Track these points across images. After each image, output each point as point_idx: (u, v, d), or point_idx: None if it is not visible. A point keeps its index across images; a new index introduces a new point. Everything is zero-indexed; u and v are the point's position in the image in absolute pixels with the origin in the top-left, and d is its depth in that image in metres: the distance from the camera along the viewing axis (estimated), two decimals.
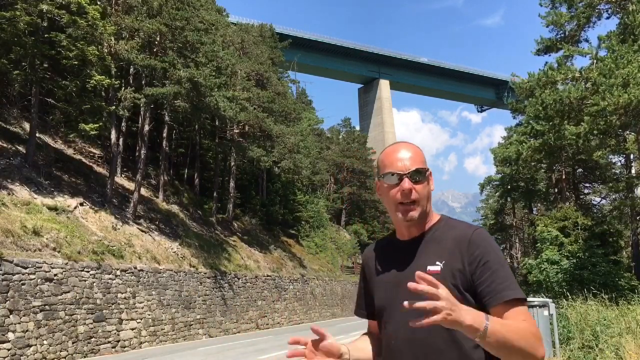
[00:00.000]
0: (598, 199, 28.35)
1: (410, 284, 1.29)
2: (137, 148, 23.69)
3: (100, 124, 19.04)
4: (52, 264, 13.71)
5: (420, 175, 1.57)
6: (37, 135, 18.98)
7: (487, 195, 42.70)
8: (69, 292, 13.98)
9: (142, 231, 20.12)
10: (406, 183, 1.55)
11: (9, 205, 14.62)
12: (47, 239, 14.33)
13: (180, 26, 21.35)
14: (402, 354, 1.55)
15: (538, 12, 18.89)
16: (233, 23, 36.86)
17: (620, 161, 24.84)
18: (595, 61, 14.32)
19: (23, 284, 12.64)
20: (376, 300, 1.68)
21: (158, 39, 21.42)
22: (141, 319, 16.68)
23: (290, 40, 46.10)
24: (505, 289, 1.45)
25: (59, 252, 14.32)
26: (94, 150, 24.37)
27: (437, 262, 1.54)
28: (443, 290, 1.29)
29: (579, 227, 19.13)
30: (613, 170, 25.60)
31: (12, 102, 20.95)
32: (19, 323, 12.19)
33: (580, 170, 25.94)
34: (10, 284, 12.29)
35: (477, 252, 1.50)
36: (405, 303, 1.28)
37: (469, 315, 1.31)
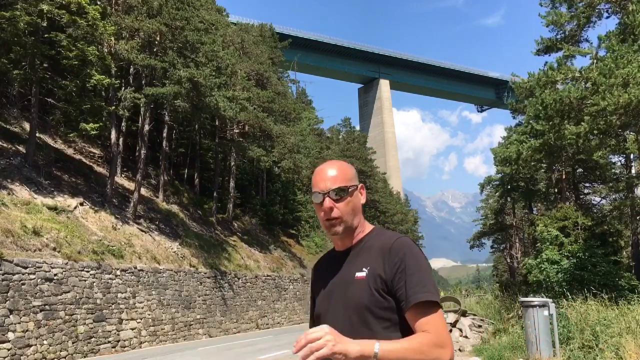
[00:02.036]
0: (598, 199, 28.34)
1: (294, 349, 1.41)
2: (137, 148, 23.69)
3: (100, 123, 19.04)
4: (52, 263, 13.71)
5: (342, 192, 1.66)
6: (37, 135, 18.99)
7: (487, 195, 42.68)
8: (69, 292, 13.98)
9: (142, 231, 20.12)
10: (327, 202, 1.66)
11: (9, 205, 14.63)
12: (47, 238, 14.33)
13: (180, 26, 21.36)
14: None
15: (538, 12, 18.90)
16: (233, 23, 36.87)
17: (620, 161, 24.85)
18: (595, 61, 14.32)
19: (23, 284, 12.64)
20: (316, 308, 1.80)
21: (158, 39, 21.43)
22: (141, 319, 16.68)
23: (290, 40, 46.12)
24: (415, 292, 1.52)
25: (59, 252, 14.33)
26: (94, 150, 24.37)
27: (364, 269, 1.63)
28: (319, 330, 1.40)
29: (579, 227, 19.12)
30: (613, 170, 25.59)
31: (12, 102, 20.96)
32: (19, 323, 12.20)
33: (580, 170, 25.92)
34: (10, 284, 12.29)
35: (397, 259, 1.58)
36: (293, 349, 1.41)
37: (356, 346, 1.41)
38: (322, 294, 1.76)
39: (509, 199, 33.64)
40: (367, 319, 1.58)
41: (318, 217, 1.74)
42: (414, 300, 1.51)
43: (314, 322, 1.77)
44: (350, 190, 1.69)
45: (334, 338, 1.39)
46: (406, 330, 1.56)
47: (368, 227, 1.76)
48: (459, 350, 11.46)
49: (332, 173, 1.69)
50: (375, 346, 1.42)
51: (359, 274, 1.63)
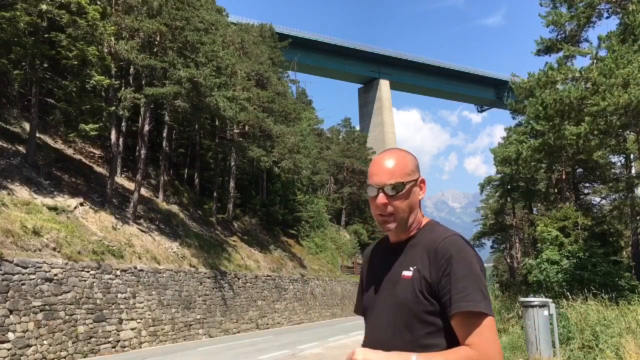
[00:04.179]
0: (598, 199, 28.34)
1: None
2: (137, 148, 23.69)
3: (100, 124, 19.04)
4: (52, 264, 13.70)
5: (398, 188, 1.55)
6: (37, 135, 18.98)
7: (487, 195, 42.68)
8: (69, 292, 13.98)
9: (142, 231, 20.11)
10: (380, 198, 1.55)
11: (9, 205, 14.62)
12: (47, 239, 14.33)
13: (180, 26, 21.36)
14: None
15: (538, 12, 18.90)
16: (233, 23, 36.85)
17: (620, 161, 24.85)
18: (595, 61, 14.32)
19: (23, 284, 12.64)
20: (364, 300, 1.72)
21: (158, 39, 21.43)
22: (141, 319, 16.68)
23: (290, 40, 46.09)
24: (458, 300, 1.42)
25: (59, 252, 14.32)
26: (94, 150, 24.37)
27: (410, 268, 1.54)
28: (359, 354, 1.41)
29: (579, 227, 19.13)
30: (613, 170, 25.60)
31: (12, 102, 20.96)
32: (19, 323, 12.19)
33: (580, 170, 25.93)
34: (10, 284, 12.29)
35: (443, 260, 1.48)
36: None
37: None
38: (371, 285, 1.66)
39: (509, 199, 33.63)
40: (410, 322, 1.49)
41: (371, 209, 1.64)
42: (457, 310, 1.41)
43: (363, 313, 1.71)
44: (408, 186, 1.56)
45: (365, 357, 1.38)
46: (452, 337, 1.46)
47: (424, 220, 1.64)
48: None
49: (389, 165, 1.56)
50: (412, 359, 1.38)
51: (405, 273, 1.54)
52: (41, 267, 13.31)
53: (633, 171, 22.89)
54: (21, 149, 18.52)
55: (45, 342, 12.75)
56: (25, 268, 12.84)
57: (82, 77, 17.68)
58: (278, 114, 30.98)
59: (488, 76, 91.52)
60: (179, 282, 19.36)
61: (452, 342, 1.46)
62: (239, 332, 22.51)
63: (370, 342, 1.57)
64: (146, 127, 22.14)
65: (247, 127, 28.50)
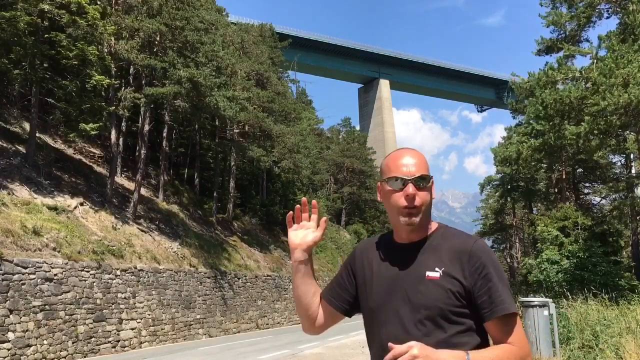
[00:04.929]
0: (598, 199, 28.35)
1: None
2: (137, 148, 23.69)
3: (101, 123, 19.03)
4: (52, 263, 13.70)
5: (424, 181, 1.58)
6: (37, 135, 18.98)
7: (487, 195, 42.70)
8: (69, 292, 13.98)
9: (142, 231, 20.11)
10: (410, 188, 1.55)
11: (9, 205, 14.62)
12: (47, 238, 14.32)
13: (180, 26, 21.36)
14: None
15: (539, 12, 18.89)
16: (233, 23, 36.84)
17: (620, 161, 24.85)
18: (595, 61, 14.32)
19: (23, 284, 12.64)
20: (368, 298, 1.66)
21: (158, 38, 21.42)
22: (141, 319, 16.68)
23: (290, 40, 46.07)
24: (500, 303, 1.49)
25: (59, 252, 14.32)
26: (94, 150, 24.37)
27: (436, 269, 1.54)
28: (415, 349, 1.38)
29: (579, 227, 19.12)
30: (613, 170, 25.60)
31: (12, 102, 20.96)
32: (19, 323, 12.19)
33: (580, 170, 25.93)
34: (10, 283, 12.29)
35: (478, 263, 1.52)
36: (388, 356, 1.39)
37: (447, 358, 1.41)
38: (382, 284, 1.63)
39: (509, 199, 33.64)
40: (440, 322, 1.51)
41: (388, 206, 1.62)
42: (500, 312, 1.49)
43: (367, 312, 1.67)
44: (431, 181, 1.61)
45: (422, 353, 1.38)
46: (481, 335, 1.54)
47: (434, 223, 1.67)
48: None
49: (414, 159, 1.59)
50: (467, 357, 1.42)
51: (431, 274, 1.54)
52: (41, 267, 13.31)
53: (633, 171, 22.89)
54: (21, 148, 18.51)
55: (45, 342, 12.75)
56: (25, 268, 12.84)
57: (82, 77, 17.67)
58: (278, 113, 30.97)
59: (488, 76, 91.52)
60: (179, 282, 19.36)
61: (482, 340, 1.54)
62: (239, 332, 22.51)
63: (391, 341, 1.51)
64: (146, 127, 22.14)
65: (247, 127, 28.50)
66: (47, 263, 13.56)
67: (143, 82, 22.73)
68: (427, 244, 1.61)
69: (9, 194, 15.33)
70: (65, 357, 13.30)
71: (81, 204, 17.97)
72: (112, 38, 19.50)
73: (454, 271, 1.52)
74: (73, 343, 13.65)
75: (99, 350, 14.53)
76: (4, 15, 15.46)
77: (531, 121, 19.89)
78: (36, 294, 12.93)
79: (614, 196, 24.57)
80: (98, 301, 14.97)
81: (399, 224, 1.60)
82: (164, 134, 25.68)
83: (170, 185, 27.59)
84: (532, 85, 15.87)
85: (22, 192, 16.11)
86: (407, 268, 1.59)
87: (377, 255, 1.70)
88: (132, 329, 16.18)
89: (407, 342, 1.40)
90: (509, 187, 31.64)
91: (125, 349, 15.58)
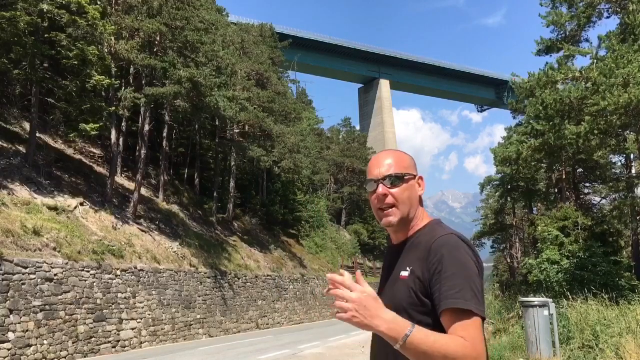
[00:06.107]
0: (598, 199, 28.33)
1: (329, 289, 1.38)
2: (137, 148, 23.69)
3: (101, 123, 19.03)
4: (52, 263, 13.71)
5: (397, 180, 1.59)
6: (37, 135, 18.98)
7: (487, 195, 42.65)
8: (69, 291, 13.98)
9: (142, 231, 20.11)
10: (380, 188, 1.59)
11: (9, 205, 14.62)
12: (47, 238, 14.32)
13: (180, 26, 21.36)
14: (376, 355, 1.66)
15: (538, 12, 18.87)
16: (233, 23, 36.85)
17: (620, 161, 24.83)
18: (595, 61, 14.30)
19: (23, 284, 12.64)
20: None
21: (158, 38, 21.42)
22: (141, 319, 16.68)
23: (290, 40, 46.10)
24: (447, 297, 1.41)
25: (59, 251, 14.32)
26: (94, 150, 24.37)
27: (407, 268, 1.55)
28: (356, 293, 1.34)
29: (579, 227, 19.11)
30: (613, 170, 25.57)
31: (12, 102, 20.95)
32: (19, 323, 12.19)
33: (580, 170, 25.91)
34: (10, 283, 12.29)
35: (435, 259, 1.48)
36: (324, 291, 1.37)
37: (385, 324, 1.34)
38: (380, 287, 1.70)
39: (509, 198, 33.61)
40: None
41: (372, 208, 1.65)
42: (445, 306, 1.40)
43: None
44: (406, 177, 1.60)
45: (359, 310, 1.33)
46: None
47: (425, 220, 1.64)
48: None
49: (387, 160, 1.63)
50: (407, 331, 1.33)
51: (403, 273, 1.55)
52: (41, 267, 13.31)
53: (633, 171, 22.88)
54: (21, 148, 18.51)
55: (45, 341, 12.75)
56: (25, 268, 12.84)
57: (82, 76, 17.67)
58: (278, 113, 30.97)
59: (488, 76, 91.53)
60: (179, 282, 19.36)
61: None
62: (239, 331, 22.51)
63: (378, 342, 1.63)
64: (146, 127, 22.14)
65: (247, 127, 28.50)
66: (47, 263, 13.56)
67: (143, 82, 22.73)
68: (409, 243, 1.62)
69: (9, 193, 15.33)
70: (65, 357, 13.30)
71: (81, 204, 17.97)
72: (112, 38, 19.50)
73: (418, 269, 1.52)
74: (73, 343, 13.65)
75: (99, 350, 14.53)
76: (4, 15, 15.46)
77: (531, 121, 19.88)
78: (36, 293, 12.93)
79: (614, 196, 24.55)
80: (98, 301, 14.97)
81: (382, 225, 1.65)
82: (164, 134, 25.68)
83: (170, 185, 27.59)
84: (532, 85, 15.85)
85: (22, 192, 16.11)
86: (393, 269, 1.64)
87: (384, 260, 1.78)
88: (132, 329, 16.18)
89: (363, 289, 1.36)
90: (509, 187, 31.60)
91: (125, 348, 15.59)
